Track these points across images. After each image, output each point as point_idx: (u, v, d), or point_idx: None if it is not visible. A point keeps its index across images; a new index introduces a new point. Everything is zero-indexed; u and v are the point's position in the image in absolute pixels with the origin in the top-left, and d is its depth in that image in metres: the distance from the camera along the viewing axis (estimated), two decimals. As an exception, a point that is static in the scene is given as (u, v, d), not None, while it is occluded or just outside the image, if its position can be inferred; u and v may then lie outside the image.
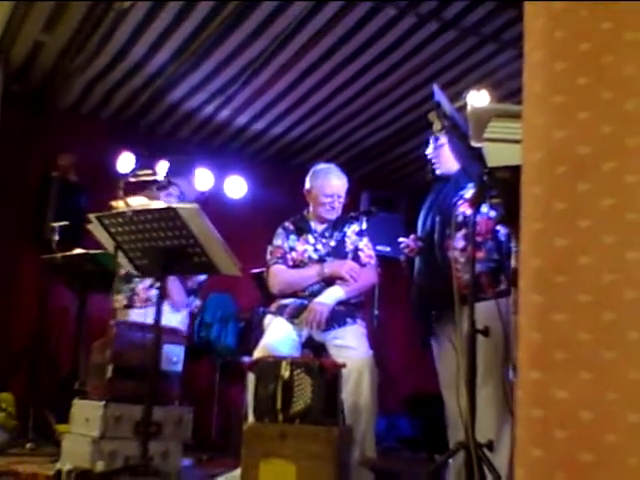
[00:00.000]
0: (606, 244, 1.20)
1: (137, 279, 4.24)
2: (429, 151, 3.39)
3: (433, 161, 3.37)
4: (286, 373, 3.02)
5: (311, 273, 3.72)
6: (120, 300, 4.31)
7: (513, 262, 2.85)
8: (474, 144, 2.17)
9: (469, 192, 3.25)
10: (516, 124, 1.87)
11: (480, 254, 3.13)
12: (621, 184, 1.21)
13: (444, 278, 3.17)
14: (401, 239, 3.45)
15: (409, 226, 6.29)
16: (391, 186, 7.32)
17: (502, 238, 3.13)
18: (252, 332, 5.75)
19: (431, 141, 3.38)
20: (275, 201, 6.41)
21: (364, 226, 4.92)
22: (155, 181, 4.33)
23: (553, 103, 1.30)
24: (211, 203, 5.32)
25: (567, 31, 1.28)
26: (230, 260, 3.06)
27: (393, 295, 6.64)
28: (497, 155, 2.01)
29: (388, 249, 6.09)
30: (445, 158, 3.33)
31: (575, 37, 1.27)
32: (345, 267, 3.73)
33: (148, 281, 4.25)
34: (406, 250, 3.41)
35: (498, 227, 3.11)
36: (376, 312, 5.82)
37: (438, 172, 3.40)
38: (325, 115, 6.08)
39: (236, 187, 6.55)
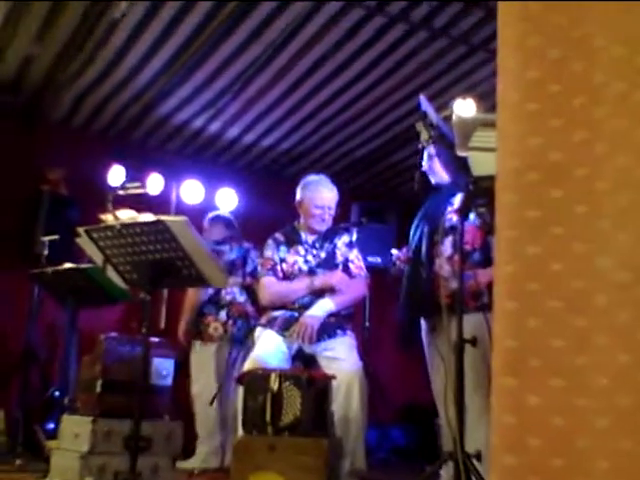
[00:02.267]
0: (577, 251, 1.21)
1: None
2: (424, 162, 3.41)
3: (428, 171, 3.40)
4: (275, 385, 3.03)
5: (301, 286, 3.74)
6: None
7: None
8: (460, 153, 2.19)
9: (456, 199, 3.28)
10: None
11: (464, 265, 3.14)
12: (592, 191, 1.23)
13: (430, 285, 3.20)
14: (394, 251, 3.46)
15: (400, 237, 6.33)
16: (382, 197, 7.33)
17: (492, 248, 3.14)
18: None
19: (426, 151, 3.41)
20: (266, 213, 6.40)
21: (354, 237, 4.94)
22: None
23: (526, 111, 1.32)
24: (202, 216, 5.34)
25: (539, 39, 1.30)
26: (218, 272, 3.07)
27: (384, 306, 6.66)
28: (482, 164, 2.03)
29: (379, 260, 6.10)
30: (438, 168, 3.35)
31: (547, 45, 1.29)
32: (335, 278, 3.75)
33: None
34: (397, 262, 3.42)
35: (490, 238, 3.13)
36: (367, 324, 5.83)
37: (433, 182, 3.43)
38: (315, 126, 6.11)
39: (227, 199, 6.56)
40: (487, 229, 2.85)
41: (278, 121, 6.02)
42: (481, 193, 2.23)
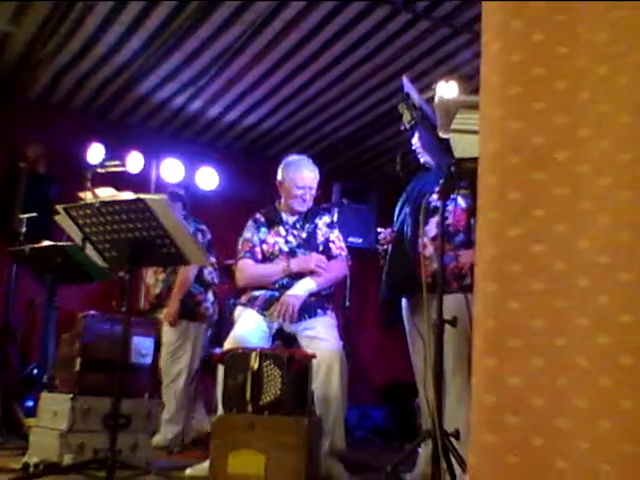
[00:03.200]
0: (559, 233, 1.23)
1: None
2: (414, 141, 3.41)
3: (417, 151, 3.40)
4: (255, 364, 3.04)
5: (277, 269, 3.76)
6: None
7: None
8: (442, 135, 2.20)
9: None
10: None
11: (448, 246, 3.16)
12: (574, 173, 1.24)
13: (412, 265, 3.22)
14: (380, 229, 3.47)
15: (381, 218, 6.37)
16: (363, 178, 7.35)
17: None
18: (223, 324, 5.76)
19: (416, 131, 3.42)
20: (247, 193, 6.41)
21: (335, 218, 4.97)
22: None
23: (509, 94, 1.32)
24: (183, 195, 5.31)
25: (522, 23, 1.30)
26: (198, 250, 3.07)
27: (364, 287, 6.71)
28: (464, 146, 2.04)
29: (359, 240, 6.13)
30: None
31: (530, 29, 1.30)
32: (312, 261, 3.76)
33: None
34: (382, 241, 3.44)
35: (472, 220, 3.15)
36: (347, 303, 5.86)
37: (422, 161, 3.44)
38: (298, 106, 6.09)
39: (208, 179, 6.54)
40: (470, 211, 2.86)
41: (259, 101, 6.00)
42: (463, 175, 2.24)
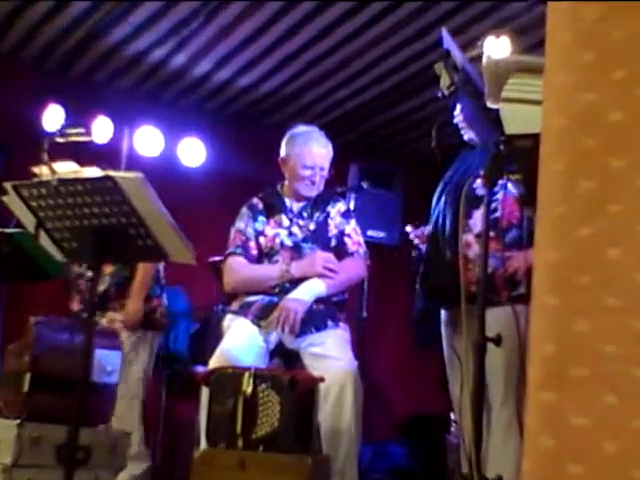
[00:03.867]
0: (640, 235, 1.21)
1: None
2: (456, 112, 3.40)
3: (460, 125, 3.39)
4: (249, 388, 3.05)
5: (273, 274, 3.79)
6: None
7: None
8: (490, 105, 2.19)
9: None
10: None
11: (497, 245, 3.16)
12: (662, 161, 1.22)
13: (452, 269, 3.21)
14: (408, 229, 3.47)
15: (409, 207, 6.38)
16: (387, 156, 7.33)
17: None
18: (208, 336, 5.78)
19: (457, 99, 3.40)
20: (242, 171, 6.41)
21: (352, 205, 4.97)
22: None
23: (581, 59, 1.31)
24: (161, 172, 5.32)
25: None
26: (182, 244, 3.06)
27: (386, 293, 6.71)
28: (518, 119, 2.03)
29: (381, 235, 6.12)
30: None
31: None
32: (317, 261, 3.76)
33: None
34: (416, 241, 3.44)
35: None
36: (364, 314, 5.85)
37: (465, 137, 3.43)
38: (306, 64, 6.08)
39: (193, 152, 6.56)
40: (522, 201, 2.85)
41: (258, 56, 6.00)
42: (515, 156, 2.23)
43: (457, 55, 2.53)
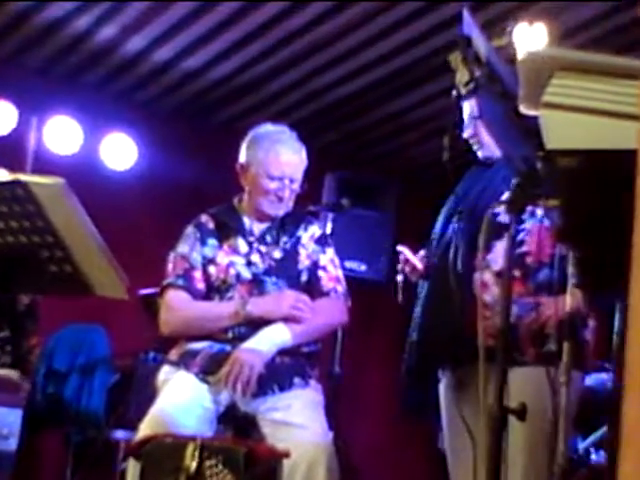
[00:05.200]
0: None
1: None
2: (466, 118, 3.41)
3: (469, 137, 3.41)
4: (193, 463, 3.04)
5: (226, 311, 3.76)
6: None
7: (569, 301, 2.89)
8: (525, 110, 2.19)
9: None
10: (603, 85, 1.88)
11: (522, 288, 3.17)
12: None
13: (462, 316, 3.21)
14: (401, 248, 3.47)
15: (401, 232, 6.34)
16: (374, 165, 7.38)
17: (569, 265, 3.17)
18: (132, 391, 5.75)
19: (467, 105, 3.41)
20: (183, 178, 6.42)
21: (328, 229, 4.96)
22: None
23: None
24: (77, 175, 5.29)
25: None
26: (113, 274, 3.05)
27: (367, 343, 6.70)
28: (562, 131, 2.02)
29: (362, 268, 6.12)
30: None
31: None
32: (285, 301, 3.75)
33: None
34: (407, 269, 3.44)
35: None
36: (337, 369, 5.84)
37: (480, 154, 3.45)
38: (270, 45, 6.11)
39: (120, 151, 6.58)
40: (559, 235, 2.87)
41: (208, 33, 6.01)
42: (554, 176, 2.23)
43: (481, 44, 2.53)
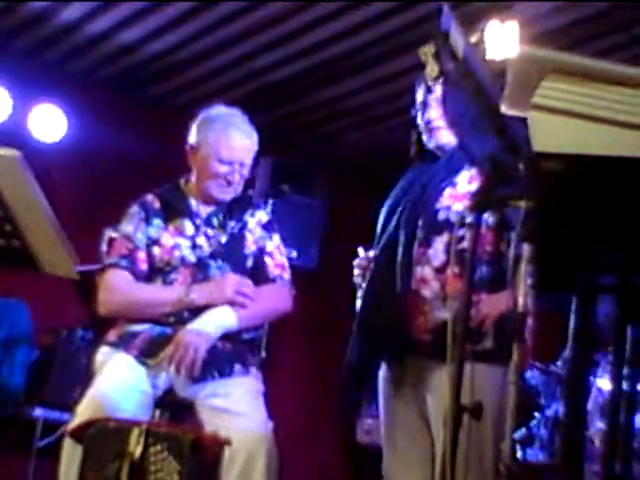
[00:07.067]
0: None
1: None
2: (417, 107, 3.42)
3: (427, 122, 3.42)
4: (137, 449, 3.01)
5: (168, 296, 3.75)
6: None
7: (520, 301, 2.91)
8: (507, 110, 2.19)
9: (463, 177, 3.31)
10: (596, 91, 1.90)
11: (460, 284, 3.19)
12: None
13: (400, 310, 3.23)
14: (361, 252, 3.48)
15: (333, 221, 6.35)
16: (305, 151, 7.39)
17: (508, 263, 3.19)
18: (54, 369, 5.69)
19: (420, 91, 3.42)
20: (113, 152, 6.34)
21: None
22: None
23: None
24: (3, 144, 5.21)
25: None
26: (64, 253, 3.01)
27: (290, 327, 6.69)
28: (551, 134, 2.03)
29: (294, 254, 6.10)
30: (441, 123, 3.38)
31: None
32: (229, 284, 3.75)
33: None
34: (358, 271, 3.46)
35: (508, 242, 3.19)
36: (263, 353, 5.83)
37: (431, 145, 3.45)
38: (209, 24, 6.09)
39: (49, 123, 6.50)
40: (526, 235, 2.89)
41: (149, 7, 5.96)
42: (535, 179, 2.24)
43: (460, 41, 2.52)
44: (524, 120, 2.12)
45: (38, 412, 5.63)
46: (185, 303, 3.71)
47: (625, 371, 2.38)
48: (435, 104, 3.36)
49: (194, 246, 3.82)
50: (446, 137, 3.40)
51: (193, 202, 3.90)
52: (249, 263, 3.86)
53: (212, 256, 3.82)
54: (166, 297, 3.74)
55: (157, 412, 3.73)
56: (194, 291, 3.72)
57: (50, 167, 6.21)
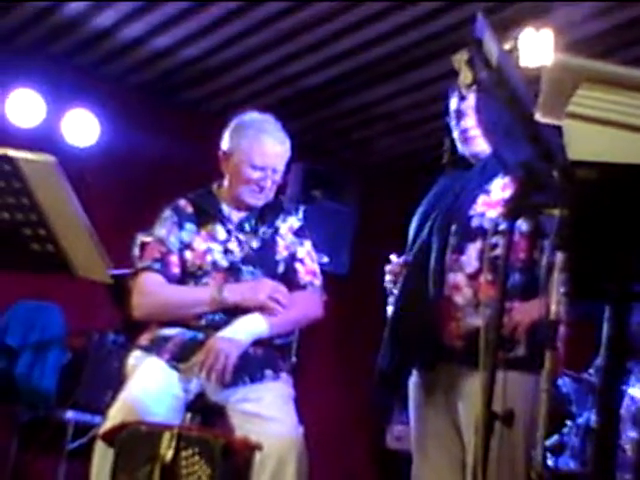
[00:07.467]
0: None
1: None
2: (451, 115, 3.42)
3: (463, 130, 3.43)
4: (169, 452, 3.01)
5: (202, 296, 3.75)
6: None
7: (553, 309, 2.90)
8: (541, 118, 2.19)
9: (496, 185, 3.30)
10: (631, 99, 1.89)
11: (493, 291, 3.18)
12: None
13: (431, 316, 3.23)
14: (393, 258, 3.46)
15: (365, 227, 6.33)
16: (337, 157, 7.37)
17: (541, 270, 3.19)
18: (85, 372, 5.71)
19: (454, 99, 3.42)
20: (146, 157, 6.35)
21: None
22: None
23: None
24: (37, 148, 5.23)
25: None
26: (97, 257, 3.01)
27: (320, 332, 6.69)
28: (585, 142, 2.02)
29: (325, 260, 6.09)
30: (477, 132, 3.37)
31: None
32: (263, 289, 3.74)
33: None
34: (389, 277, 3.46)
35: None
36: (293, 358, 5.84)
37: (466, 153, 3.46)
38: (243, 30, 6.08)
39: (82, 127, 6.50)
40: (560, 244, 2.88)
41: (182, 13, 5.96)
42: (569, 187, 2.23)
43: (494, 49, 2.51)
44: (558, 128, 2.12)
45: (69, 415, 5.66)
46: (218, 302, 3.70)
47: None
48: (471, 112, 3.36)
49: (226, 251, 3.82)
50: (482, 145, 3.40)
51: (225, 207, 3.90)
52: (280, 269, 3.85)
53: (243, 261, 3.81)
54: (199, 297, 3.74)
55: (188, 416, 3.72)
56: (227, 290, 3.71)
57: (83, 172, 6.25)
